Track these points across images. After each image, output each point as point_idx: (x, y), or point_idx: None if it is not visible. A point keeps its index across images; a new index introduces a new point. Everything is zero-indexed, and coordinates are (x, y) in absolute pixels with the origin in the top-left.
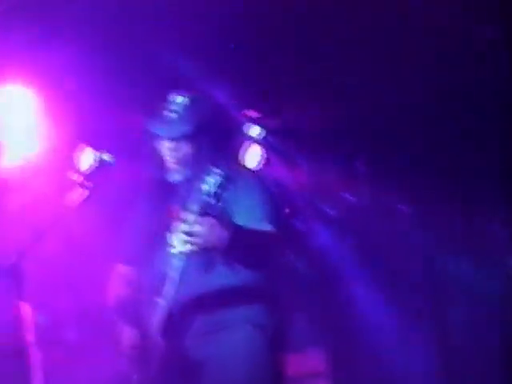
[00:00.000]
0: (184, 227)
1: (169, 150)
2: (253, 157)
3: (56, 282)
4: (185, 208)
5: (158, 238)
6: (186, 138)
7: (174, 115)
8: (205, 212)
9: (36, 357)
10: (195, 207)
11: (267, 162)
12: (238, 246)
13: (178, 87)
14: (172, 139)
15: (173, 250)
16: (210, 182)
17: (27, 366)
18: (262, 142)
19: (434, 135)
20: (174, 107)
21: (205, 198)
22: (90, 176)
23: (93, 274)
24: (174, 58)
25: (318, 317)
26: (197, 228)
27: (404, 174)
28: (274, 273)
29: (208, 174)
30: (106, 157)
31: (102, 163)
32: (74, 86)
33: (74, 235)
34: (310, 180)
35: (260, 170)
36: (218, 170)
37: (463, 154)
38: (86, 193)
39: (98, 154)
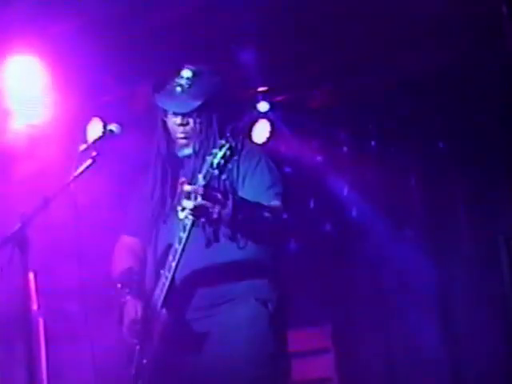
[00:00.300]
0: (187, 200)
1: (177, 125)
2: (261, 131)
3: (60, 251)
4: (191, 180)
5: (164, 210)
6: (194, 112)
7: (182, 89)
8: (208, 183)
9: (39, 325)
10: (201, 178)
11: (275, 136)
12: (241, 219)
13: (185, 60)
14: (180, 114)
15: (178, 222)
16: (215, 153)
17: (31, 335)
18: (271, 117)
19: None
20: (181, 81)
21: (209, 169)
22: (97, 146)
23: (98, 244)
24: (178, 33)
25: (320, 293)
26: (200, 200)
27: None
28: (277, 248)
29: (214, 146)
30: (114, 127)
31: (109, 134)
32: (83, 55)
33: (80, 204)
34: (319, 155)
35: (268, 144)
36: (223, 142)
37: None
38: (93, 163)
39: (105, 124)
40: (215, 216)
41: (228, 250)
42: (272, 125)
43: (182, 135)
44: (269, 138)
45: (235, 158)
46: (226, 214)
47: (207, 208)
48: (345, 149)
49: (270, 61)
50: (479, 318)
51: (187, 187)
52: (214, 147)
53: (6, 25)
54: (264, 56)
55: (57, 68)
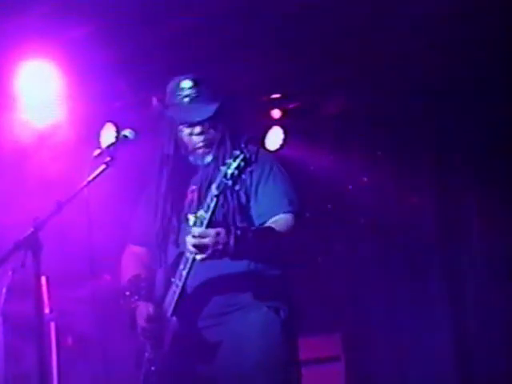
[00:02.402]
0: (190, 237)
1: (196, 135)
2: (274, 138)
3: (72, 256)
4: (202, 189)
5: (176, 219)
6: (204, 122)
7: (190, 99)
8: (222, 193)
9: (51, 329)
10: (214, 189)
11: (287, 143)
12: (246, 251)
13: (193, 69)
14: (191, 124)
15: (188, 230)
16: (229, 164)
17: (42, 339)
18: (283, 124)
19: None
20: (186, 92)
21: (223, 179)
22: (110, 151)
23: (109, 249)
24: (191, 39)
25: (332, 301)
26: (204, 240)
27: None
28: (288, 260)
29: (228, 156)
30: (128, 133)
31: (123, 139)
32: (97, 60)
33: (93, 209)
34: (330, 163)
35: (280, 151)
36: (237, 152)
37: None
38: (107, 168)
39: (119, 129)
40: (218, 253)
41: (240, 260)
42: (285, 132)
43: (202, 144)
44: (282, 146)
45: (249, 169)
46: (228, 249)
47: (208, 246)
48: (357, 157)
49: (283, 68)
50: (492, 330)
51: (194, 229)
52: (226, 155)
53: (20, 30)
54: (277, 63)
55: (70, 73)
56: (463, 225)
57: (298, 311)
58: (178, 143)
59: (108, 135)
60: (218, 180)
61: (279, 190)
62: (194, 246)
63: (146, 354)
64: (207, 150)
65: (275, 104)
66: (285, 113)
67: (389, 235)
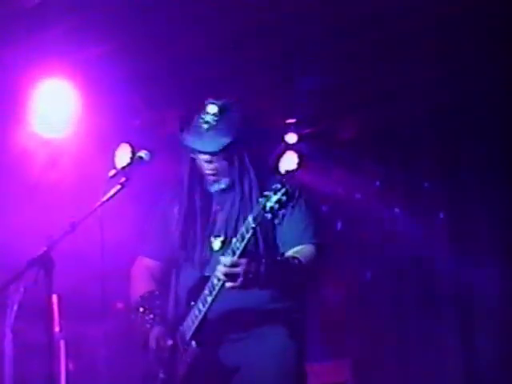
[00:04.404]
0: (222, 268)
1: (205, 162)
2: (288, 163)
3: (84, 274)
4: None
5: (193, 239)
6: (222, 151)
7: (208, 126)
8: (255, 229)
9: (61, 348)
10: (251, 220)
11: (302, 167)
12: (272, 282)
13: (210, 95)
14: (208, 153)
15: (212, 254)
16: (269, 197)
17: (52, 356)
18: (297, 148)
19: None
20: (207, 118)
21: (261, 211)
22: (126, 172)
23: (122, 268)
24: (207, 60)
25: (342, 327)
26: (235, 270)
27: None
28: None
29: (269, 189)
30: (144, 154)
31: (138, 160)
32: (113, 80)
33: (106, 228)
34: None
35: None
36: (278, 186)
37: None
38: (122, 188)
39: (134, 150)
40: (248, 282)
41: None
42: (300, 157)
43: (210, 172)
44: (296, 170)
45: (291, 204)
46: (259, 279)
47: (240, 275)
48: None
49: (296, 93)
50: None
51: (226, 259)
52: (262, 184)
53: (38, 48)
54: (291, 88)
55: (87, 91)
56: (478, 252)
57: (306, 340)
58: (194, 165)
59: (123, 155)
60: (255, 212)
61: (304, 221)
62: (225, 274)
63: (160, 375)
64: (215, 178)
65: (290, 129)
66: (300, 137)
67: (400, 262)
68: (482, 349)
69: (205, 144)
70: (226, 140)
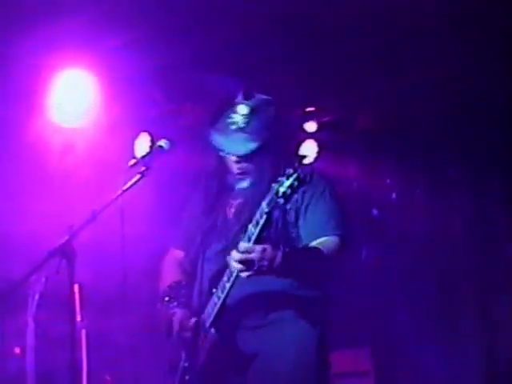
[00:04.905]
0: (236, 252)
1: (234, 163)
2: (307, 151)
3: (107, 264)
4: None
5: (220, 232)
6: (252, 153)
7: (237, 127)
8: (272, 210)
9: (82, 337)
10: (264, 205)
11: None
12: (290, 270)
13: (229, 83)
14: (238, 155)
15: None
16: (282, 182)
17: (74, 346)
18: (317, 137)
19: None
20: (237, 118)
21: (274, 197)
22: (146, 161)
23: (143, 257)
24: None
25: (363, 316)
26: (249, 256)
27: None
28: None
29: (281, 174)
30: (164, 143)
31: (158, 149)
32: (132, 70)
33: (127, 218)
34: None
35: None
36: (291, 171)
37: None
38: (142, 177)
39: (153, 139)
40: (263, 269)
41: (283, 278)
42: (319, 145)
43: (239, 171)
44: (315, 159)
45: (302, 188)
46: (274, 266)
47: (254, 261)
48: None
49: (318, 81)
50: None
51: (241, 244)
52: (279, 175)
53: (58, 39)
54: (313, 76)
55: (106, 82)
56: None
57: (331, 327)
58: (220, 160)
59: (142, 144)
60: (268, 197)
61: (328, 213)
62: (240, 260)
63: (182, 363)
64: (242, 177)
65: (309, 117)
66: (320, 126)
67: (419, 250)
68: (502, 331)
69: (232, 146)
70: (254, 144)
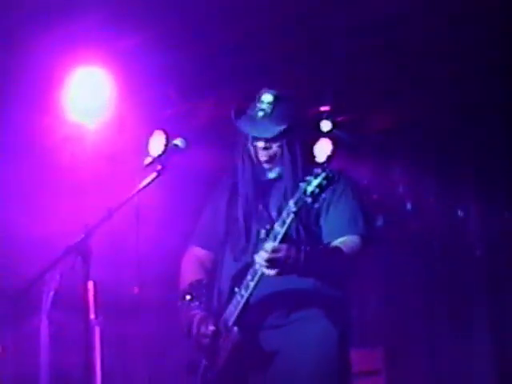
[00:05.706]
0: (264, 254)
1: (261, 149)
2: (322, 150)
3: (123, 262)
4: (267, 203)
5: (243, 230)
6: (277, 137)
7: (264, 114)
8: (296, 213)
9: (96, 335)
10: (292, 204)
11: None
12: (313, 270)
13: (265, 85)
14: (265, 139)
15: (259, 242)
16: (310, 181)
17: (88, 343)
18: (332, 136)
19: None
20: (263, 106)
21: (302, 196)
22: (161, 160)
23: (157, 255)
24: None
25: (375, 316)
26: (276, 255)
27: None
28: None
29: (309, 173)
30: (179, 142)
31: (174, 148)
32: (148, 68)
33: (143, 216)
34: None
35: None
36: (319, 170)
37: None
38: (158, 176)
39: (168, 137)
40: (287, 268)
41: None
42: (334, 144)
43: (266, 158)
44: (329, 158)
45: (331, 187)
46: (298, 265)
47: (280, 261)
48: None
49: (334, 80)
50: None
51: (268, 244)
52: (305, 174)
53: (74, 36)
54: (327, 76)
55: (122, 80)
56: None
57: (351, 326)
58: (247, 154)
59: (157, 143)
60: (296, 196)
61: (350, 211)
62: (268, 260)
63: (204, 361)
64: (270, 166)
65: (324, 116)
66: (334, 125)
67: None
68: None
69: (260, 130)
70: (281, 127)
